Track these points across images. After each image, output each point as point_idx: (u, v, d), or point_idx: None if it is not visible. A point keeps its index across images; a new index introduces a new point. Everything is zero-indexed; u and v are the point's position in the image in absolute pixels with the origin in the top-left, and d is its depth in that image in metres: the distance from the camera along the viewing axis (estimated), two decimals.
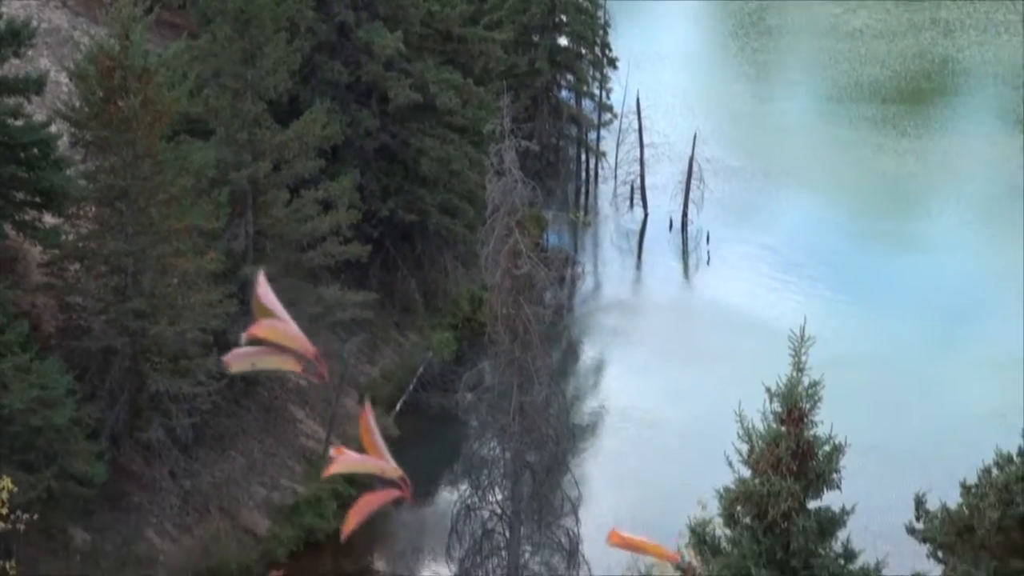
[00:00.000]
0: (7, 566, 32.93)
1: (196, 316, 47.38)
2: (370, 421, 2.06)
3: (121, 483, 48.02)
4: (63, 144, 48.47)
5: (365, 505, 2.08)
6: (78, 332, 47.97)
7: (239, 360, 2.14)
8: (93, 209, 48.34)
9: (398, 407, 59.63)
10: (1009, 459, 26.12)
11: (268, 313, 2.07)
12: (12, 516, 31.46)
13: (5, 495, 31.12)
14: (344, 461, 2.10)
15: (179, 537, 49.82)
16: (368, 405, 2.30)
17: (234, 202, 51.67)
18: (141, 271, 47.16)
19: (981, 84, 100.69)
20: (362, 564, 52.57)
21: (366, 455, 2.09)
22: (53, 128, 47.89)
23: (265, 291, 2.10)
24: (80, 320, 48.33)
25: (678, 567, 26.50)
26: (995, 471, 26.11)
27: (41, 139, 47.11)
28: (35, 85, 47.63)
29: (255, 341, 2.09)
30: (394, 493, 2.11)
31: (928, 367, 63.61)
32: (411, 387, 60.68)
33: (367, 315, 55.71)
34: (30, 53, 52.52)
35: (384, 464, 2.08)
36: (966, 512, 26.21)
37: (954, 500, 26.96)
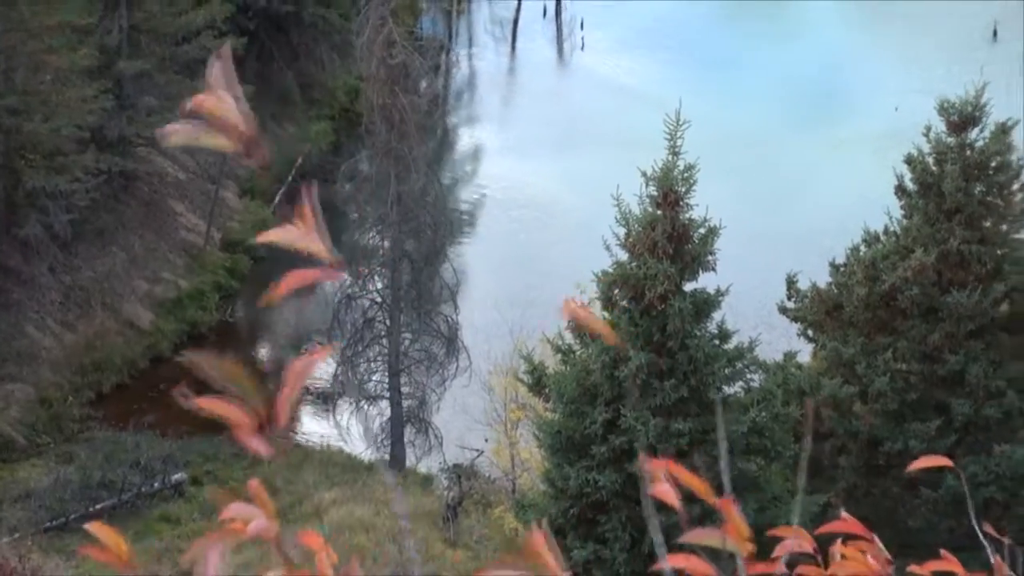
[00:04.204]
0: None
1: (71, 113, 46.89)
2: (314, 201, 2.17)
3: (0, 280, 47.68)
4: None
5: (298, 276, 2.19)
6: None
7: (177, 134, 2.20)
8: None
9: (277, 198, 59.49)
10: (876, 237, 26.55)
11: (220, 87, 2.14)
12: None
13: None
14: (278, 233, 2.21)
15: (61, 333, 49.72)
16: (312, 187, 2.40)
17: None
18: (13, 68, 46.42)
19: None
20: (246, 355, 52.80)
21: (302, 231, 2.20)
22: None
23: (226, 65, 2.17)
24: None
25: (558, 351, 26.93)
26: (863, 249, 26.52)
27: None
28: None
29: (193, 116, 2.16)
30: (323, 272, 2.22)
31: (799, 148, 64.09)
32: (290, 178, 60.41)
33: (244, 108, 55.09)
34: None
35: (317, 241, 2.19)
36: (835, 291, 26.67)
37: (824, 280, 27.37)
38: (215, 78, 2.22)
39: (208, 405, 2.08)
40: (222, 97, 2.15)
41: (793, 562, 3.37)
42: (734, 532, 2.76)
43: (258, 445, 2.11)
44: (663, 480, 2.64)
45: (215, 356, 2.11)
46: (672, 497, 2.65)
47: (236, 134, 2.16)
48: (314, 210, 2.26)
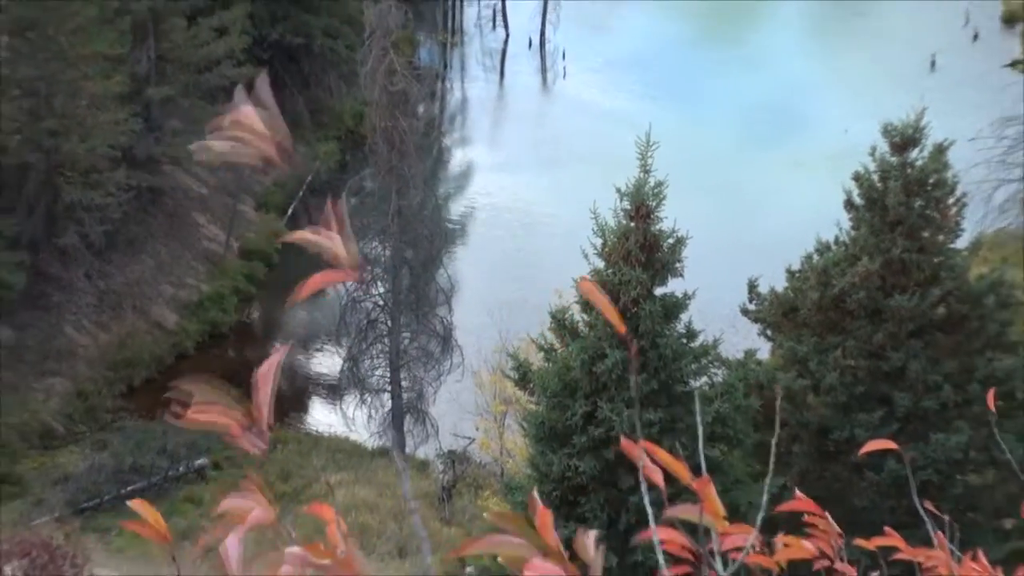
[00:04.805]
0: None
1: (105, 134, 46.99)
2: (341, 208, 2.16)
3: (40, 285, 47.65)
4: None
5: (321, 278, 2.18)
6: None
7: (209, 151, 2.20)
8: (5, 39, 47.31)
9: (289, 211, 59.47)
10: (827, 246, 26.55)
11: (261, 104, 2.13)
12: None
13: None
14: (306, 235, 2.20)
15: (96, 332, 49.69)
16: (343, 197, 2.39)
17: (136, 30, 50.93)
18: (53, 94, 46.43)
19: None
20: (262, 353, 52.74)
21: (331, 237, 2.19)
22: None
23: (264, 86, 2.17)
24: None
25: (542, 349, 26.92)
26: (816, 257, 26.53)
27: None
28: None
29: (220, 133, 2.16)
30: (344, 275, 2.21)
31: (760, 166, 64.14)
32: (300, 193, 60.44)
33: (280, 122, 55.26)
34: None
35: (343, 246, 2.18)
36: (791, 295, 26.66)
37: (781, 285, 27.38)
38: (258, 97, 2.22)
39: (197, 417, 2.08)
40: (261, 114, 2.15)
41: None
42: (710, 509, 2.78)
43: (248, 444, 2.11)
44: (649, 462, 2.66)
45: (198, 380, 2.11)
46: (658, 476, 2.67)
47: (274, 144, 2.16)
48: (342, 219, 2.26)
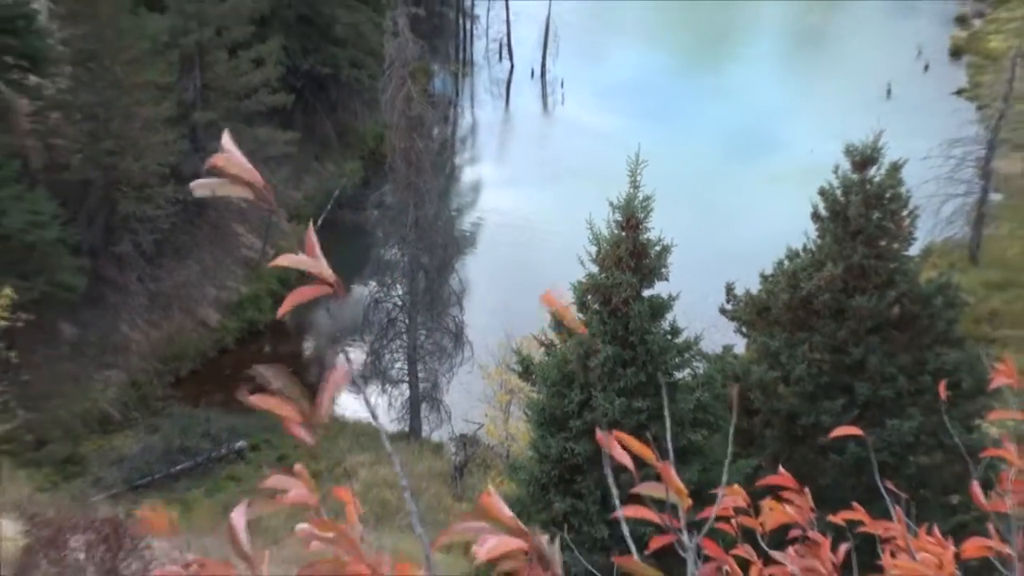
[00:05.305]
0: (10, 356, 32.72)
1: (155, 153, 47.14)
2: (311, 235, 2.17)
3: (99, 288, 47.72)
4: (43, 17, 47.66)
5: (300, 294, 2.19)
6: (60, 168, 47.38)
7: (203, 187, 2.21)
8: (69, 69, 47.51)
9: (319, 223, 59.45)
10: (796, 253, 26.54)
11: (232, 166, 2.15)
12: (13, 316, 31.22)
13: (6, 301, 30.81)
14: (289, 259, 2.21)
15: (147, 330, 49.73)
16: (311, 224, 2.40)
17: (184, 61, 51.14)
18: (110, 118, 46.54)
19: None
20: (295, 347, 52.81)
21: (308, 257, 2.19)
22: (34, 4, 47.17)
23: (228, 141, 2.19)
24: (61, 158, 47.71)
25: (542, 344, 26.93)
26: (786, 262, 26.52)
27: (25, 13, 46.37)
28: None
29: (214, 172, 2.17)
30: (324, 289, 2.21)
31: (737, 182, 64.16)
32: (329, 206, 60.45)
33: (292, 150, 55.45)
34: None
35: (321, 266, 2.19)
36: (764, 296, 26.64)
37: (755, 287, 27.36)
38: (226, 145, 2.23)
39: (262, 403, 2.08)
40: (236, 159, 2.17)
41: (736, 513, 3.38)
42: (675, 488, 2.78)
43: (302, 434, 2.10)
44: (620, 449, 2.65)
45: (276, 367, 2.10)
46: (628, 461, 2.66)
47: (250, 186, 2.17)
48: (313, 243, 2.26)
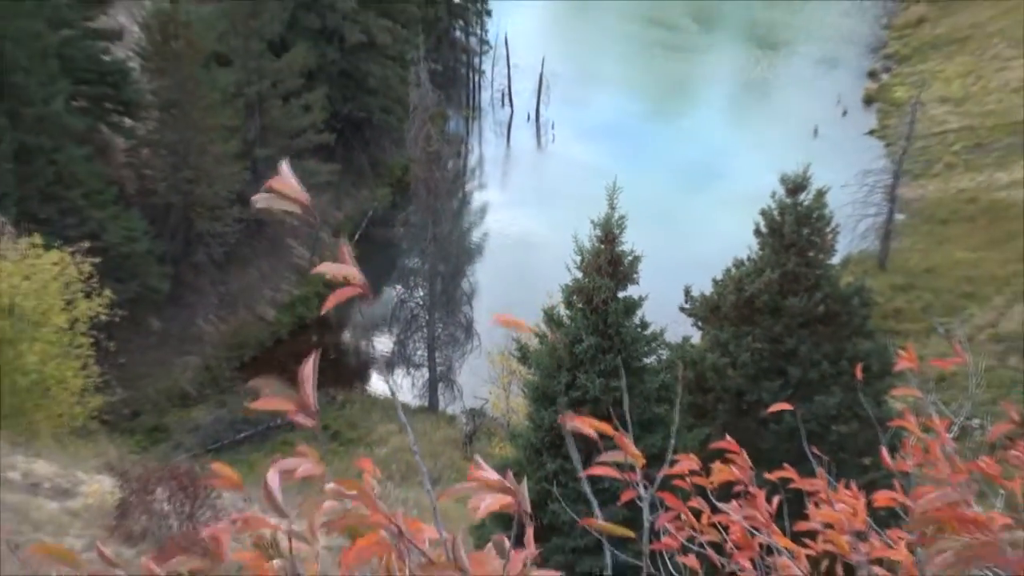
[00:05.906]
0: (109, 345, 32.80)
1: (225, 182, 47.30)
2: (344, 247, 2.18)
3: (180, 290, 47.80)
4: (136, 71, 47.88)
5: (338, 295, 2.20)
6: (149, 193, 47.55)
7: (263, 201, 2.22)
8: (156, 113, 47.66)
9: (355, 237, 59.48)
10: (741, 262, 26.52)
11: (286, 187, 2.16)
12: (112, 312, 31.32)
13: (106, 300, 30.89)
14: (328, 266, 2.22)
15: (218, 324, 49.76)
16: (344, 238, 2.40)
17: (247, 107, 51.23)
18: (188, 153, 46.63)
19: (735, 15, 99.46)
20: (336, 338, 52.81)
21: (342, 266, 2.21)
22: (130, 62, 47.56)
23: (286, 168, 2.21)
24: (150, 185, 47.86)
25: (537, 335, 26.91)
26: (733, 270, 26.50)
27: (121, 68, 47.04)
28: (116, 34, 47.67)
29: (271, 191, 2.19)
30: (357, 291, 2.23)
31: (695, 204, 64.23)
32: (364, 224, 60.48)
33: (334, 179, 55.53)
34: (112, 11, 52.08)
35: (353, 272, 2.20)
36: (715, 297, 26.62)
37: (709, 290, 27.32)
38: (283, 171, 2.25)
39: (263, 405, 2.08)
40: (288, 181, 2.18)
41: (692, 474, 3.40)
42: (630, 453, 2.80)
43: (301, 420, 2.11)
44: (585, 426, 2.66)
45: (265, 378, 2.09)
46: (591, 431, 2.67)
47: (297, 203, 2.19)
48: (347, 253, 2.28)
